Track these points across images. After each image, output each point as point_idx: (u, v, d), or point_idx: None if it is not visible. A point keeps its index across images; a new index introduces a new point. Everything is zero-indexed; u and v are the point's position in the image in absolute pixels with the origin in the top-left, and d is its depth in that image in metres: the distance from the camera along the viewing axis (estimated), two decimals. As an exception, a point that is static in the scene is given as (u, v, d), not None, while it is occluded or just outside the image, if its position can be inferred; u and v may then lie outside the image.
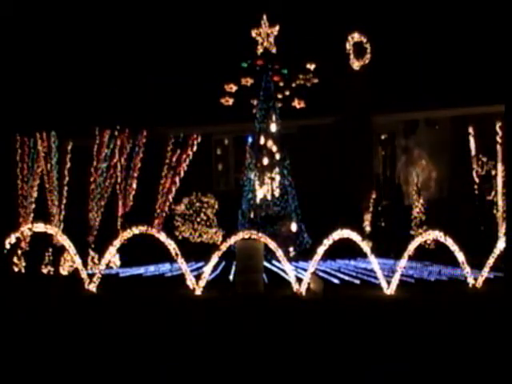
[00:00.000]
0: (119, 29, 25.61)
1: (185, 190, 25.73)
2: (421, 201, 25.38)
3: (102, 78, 26.07)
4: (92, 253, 21.79)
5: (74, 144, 24.27)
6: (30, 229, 18.21)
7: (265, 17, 26.14)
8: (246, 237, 16.64)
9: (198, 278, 16.27)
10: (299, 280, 15.98)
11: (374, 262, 16.21)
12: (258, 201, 25.73)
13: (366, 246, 16.44)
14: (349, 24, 26.63)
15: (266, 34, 26.26)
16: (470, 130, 23.94)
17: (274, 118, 26.02)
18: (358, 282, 17.48)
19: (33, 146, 24.39)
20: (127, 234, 16.65)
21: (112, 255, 17.74)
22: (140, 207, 24.47)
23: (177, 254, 16.35)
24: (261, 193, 25.75)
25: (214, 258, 16.38)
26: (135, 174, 24.79)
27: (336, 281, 17.70)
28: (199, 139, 25.73)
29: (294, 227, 25.23)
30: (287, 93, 26.45)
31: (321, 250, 16.11)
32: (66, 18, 25.29)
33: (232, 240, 16.65)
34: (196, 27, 26.66)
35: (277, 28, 26.14)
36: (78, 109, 26.44)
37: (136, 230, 16.58)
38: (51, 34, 24.95)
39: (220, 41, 26.43)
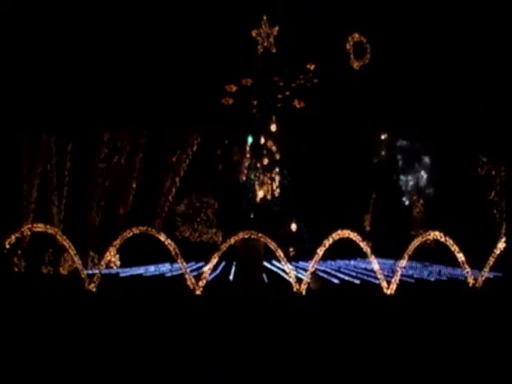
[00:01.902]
0: (119, 29, 25.55)
1: (185, 190, 25.73)
2: (421, 201, 25.37)
3: (102, 78, 26.00)
4: (92, 253, 21.79)
5: (74, 144, 24.29)
6: (29, 229, 18.19)
7: (265, 17, 26.15)
8: (246, 237, 16.65)
9: (198, 278, 16.27)
10: (299, 280, 15.98)
11: (374, 262, 16.22)
12: (258, 201, 25.74)
13: (365, 246, 16.45)
14: (349, 24, 26.60)
15: (266, 34, 26.26)
16: (472, 130, 23.91)
17: (273, 118, 26.02)
18: (357, 282, 17.49)
19: (33, 146, 24.38)
20: (127, 233, 16.65)
21: (112, 255, 17.74)
22: (140, 207, 24.46)
23: (177, 254, 16.35)
24: (261, 193, 25.75)
25: (214, 258, 16.39)
26: (135, 174, 24.79)
27: (336, 281, 17.70)
28: (199, 139, 25.72)
29: (293, 227, 25.23)
30: (287, 93, 26.44)
31: (321, 251, 16.12)
32: (65, 17, 25.26)
33: (232, 240, 16.65)
34: (196, 28, 26.62)
35: (276, 28, 26.14)
36: (77, 109, 26.39)
37: (136, 230, 16.60)
38: (50, 34, 24.93)
39: (220, 41, 26.40)
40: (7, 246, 17.14)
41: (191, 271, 17.04)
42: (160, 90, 26.24)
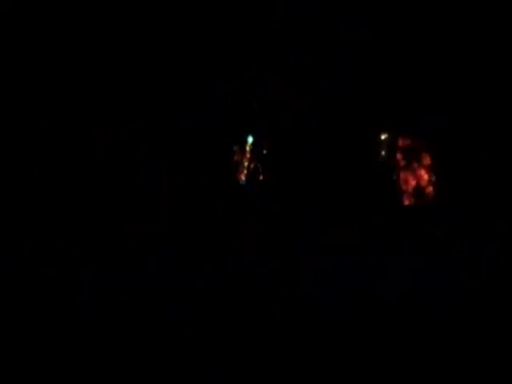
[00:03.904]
0: (115, 26, 25.52)
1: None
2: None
3: (99, 77, 25.96)
4: None
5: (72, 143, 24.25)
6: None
7: (264, 17, 26.13)
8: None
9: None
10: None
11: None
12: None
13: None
14: (350, 24, 26.57)
15: (265, 34, 26.25)
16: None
17: (273, 116, 26.01)
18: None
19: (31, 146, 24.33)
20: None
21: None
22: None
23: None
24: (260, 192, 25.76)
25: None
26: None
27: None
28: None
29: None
30: (287, 92, 26.42)
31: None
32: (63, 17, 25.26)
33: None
34: (195, 25, 26.61)
35: (276, 28, 26.12)
36: (76, 107, 26.33)
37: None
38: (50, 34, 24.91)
39: (219, 40, 26.39)
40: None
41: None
42: (157, 88, 26.19)
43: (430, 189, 28.08)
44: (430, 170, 28.03)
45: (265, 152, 26.02)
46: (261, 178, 26.25)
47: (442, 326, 11.97)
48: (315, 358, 9.68)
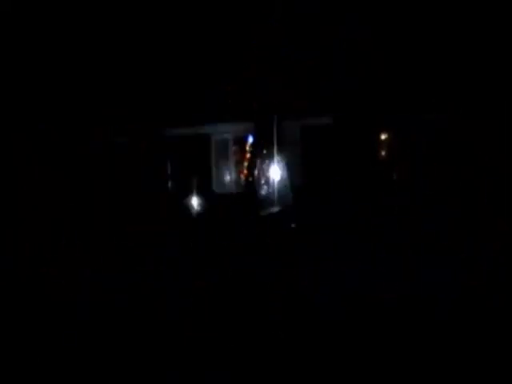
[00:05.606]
0: (115, 27, 25.46)
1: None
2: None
3: (98, 78, 25.87)
4: None
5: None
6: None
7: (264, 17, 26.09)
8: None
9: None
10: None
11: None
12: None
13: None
14: (350, 24, 26.53)
15: (265, 34, 26.21)
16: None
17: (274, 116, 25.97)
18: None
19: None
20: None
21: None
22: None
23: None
24: (261, 193, 25.73)
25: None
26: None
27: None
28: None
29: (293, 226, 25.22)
30: (288, 91, 26.36)
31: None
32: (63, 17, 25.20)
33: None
34: (194, 25, 26.55)
35: (276, 28, 26.07)
36: (74, 107, 26.26)
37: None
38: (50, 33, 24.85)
39: (218, 39, 26.34)
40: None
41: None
42: (157, 89, 26.13)
43: (430, 189, 28.06)
44: (430, 169, 28.02)
45: (265, 152, 25.98)
46: (261, 178, 26.19)
47: (442, 325, 11.95)
48: (315, 357, 9.67)
